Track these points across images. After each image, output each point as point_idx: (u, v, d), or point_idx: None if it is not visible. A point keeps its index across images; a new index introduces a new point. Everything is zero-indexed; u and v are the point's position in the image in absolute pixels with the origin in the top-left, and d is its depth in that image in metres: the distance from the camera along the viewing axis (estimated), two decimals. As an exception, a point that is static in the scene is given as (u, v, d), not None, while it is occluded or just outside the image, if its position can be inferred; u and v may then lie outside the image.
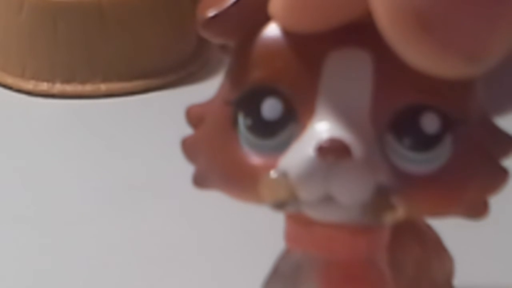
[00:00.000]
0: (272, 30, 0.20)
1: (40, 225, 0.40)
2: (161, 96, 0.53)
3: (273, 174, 0.19)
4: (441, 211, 0.20)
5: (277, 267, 0.23)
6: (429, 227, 0.26)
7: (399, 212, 0.19)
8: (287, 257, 0.22)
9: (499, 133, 0.20)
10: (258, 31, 0.20)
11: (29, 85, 0.54)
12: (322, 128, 0.19)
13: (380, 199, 0.19)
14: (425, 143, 0.19)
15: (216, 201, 0.40)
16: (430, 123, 0.19)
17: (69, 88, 0.53)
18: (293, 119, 0.19)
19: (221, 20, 0.20)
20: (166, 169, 0.45)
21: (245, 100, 0.20)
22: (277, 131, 0.19)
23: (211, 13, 0.20)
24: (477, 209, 0.20)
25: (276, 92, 0.19)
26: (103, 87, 0.53)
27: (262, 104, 0.20)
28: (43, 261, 0.38)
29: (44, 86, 0.54)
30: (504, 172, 0.20)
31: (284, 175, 0.19)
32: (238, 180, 0.20)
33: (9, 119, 0.51)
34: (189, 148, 0.22)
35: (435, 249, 0.26)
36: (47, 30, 0.53)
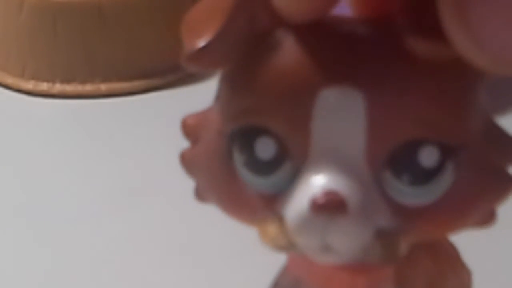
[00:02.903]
0: (260, 60, 0.18)
1: (39, 225, 0.40)
2: (161, 96, 0.53)
3: (271, 220, 0.19)
4: (448, 232, 0.20)
5: (277, 281, 0.22)
6: (444, 239, 0.24)
7: (401, 249, 0.18)
8: (287, 273, 0.22)
9: (504, 140, 0.19)
10: (246, 60, 0.19)
11: (29, 85, 0.54)
12: (316, 178, 0.18)
13: (381, 242, 0.18)
14: (424, 177, 0.18)
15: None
16: (428, 156, 0.18)
17: (69, 88, 0.53)
18: (288, 159, 0.18)
19: (208, 52, 0.18)
20: (165, 169, 0.45)
21: (237, 137, 0.19)
22: (272, 171, 0.18)
23: (197, 45, 0.18)
24: (484, 219, 0.20)
25: (268, 131, 0.18)
26: (103, 87, 0.53)
27: (255, 142, 0.18)
28: (42, 260, 0.38)
29: (44, 86, 0.54)
30: (508, 180, 0.19)
31: (281, 221, 0.18)
32: (236, 210, 0.20)
33: (9, 119, 0.51)
34: (187, 163, 0.21)
35: (451, 263, 0.24)
36: (47, 30, 0.53)
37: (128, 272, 0.37)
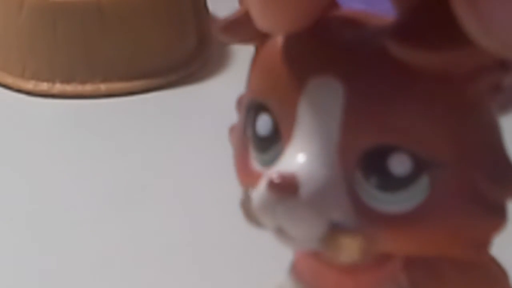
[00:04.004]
0: (274, 43, 0.20)
1: (40, 225, 0.40)
2: (161, 96, 0.53)
3: (245, 194, 0.19)
4: (424, 250, 0.19)
5: (287, 277, 0.23)
6: (490, 258, 0.22)
7: (353, 249, 0.18)
8: (292, 269, 0.22)
9: (506, 173, 0.18)
10: (267, 41, 0.20)
11: (29, 85, 0.54)
12: (283, 160, 0.18)
13: (333, 236, 0.18)
14: (394, 184, 0.18)
15: (216, 202, 0.40)
16: (399, 165, 0.18)
17: (69, 88, 0.53)
18: (279, 139, 0.19)
19: (236, 25, 0.20)
20: (166, 168, 0.45)
21: (249, 109, 0.20)
22: (267, 148, 0.19)
23: (226, 18, 0.20)
24: (473, 249, 0.19)
25: (268, 109, 0.19)
26: (103, 87, 0.53)
27: (258, 118, 0.20)
28: (43, 260, 0.38)
29: (44, 86, 0.54)
30: (499, 215, 0.18)
31: (249, 198, 0.19)
32: (243, 180, 0.21)
33: (9, 119, 0.51)
34: (230, 135, 0.22)
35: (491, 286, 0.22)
36: (47, 30, 0.53)
37: (128, 272, 0.37)
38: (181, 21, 0.56)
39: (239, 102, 0.21)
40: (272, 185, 0.18)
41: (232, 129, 0.22)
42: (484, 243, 0.19)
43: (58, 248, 0.39)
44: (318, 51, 0.19)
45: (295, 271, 0.22)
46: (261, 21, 0.18)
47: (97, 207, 0.42)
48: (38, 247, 0.39)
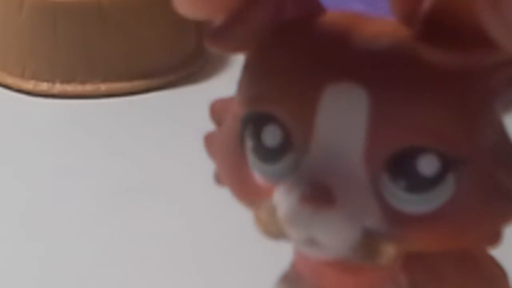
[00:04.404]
0: (276, 50, 0.19)
1: (39, 225, 0.40)
2: (161, 96, 0.53)
3: (265, 207, 0.19)
4: (447, 246, 0.19)
5: (285, 274, 0.23)
6: (491, 259, 0.22)
7: (389, 253, 0.18)
8: (292, 267, 0.22)
9: None
10: (264, 48, 0.19)
11: (29, 85, 0.54)
12: (311, 172, 0.18)
13: (368, 243, 0.18)
14: (422, 185, 0.18)
15: (216, 201, 0.40)
16: (428, 165, 0.18)
17: (69, 88, 0.53)
18: (291, 150, 0.19)
19: (227, 33, 0.19)
20: (165, 168, 0.45)
21: (249, 122, 0.19)
22: (276, 160, 0.19)
23: (217, 25, 0.19)
24: (488, 239, 0.19)
25: (276, 120, 0.19)
26: (103, 87, 0.53)
27: (263, 129, 0.19)
28: (42, 260, 0.38)
29: (44, 86, 0.54)
30: None
31: (274, 209, 0.19)
32: (242, 194, 0.20)
33: (9, 119, 0.51)
34: (209, 145, 0.21)
35: (488, 283, 0.22)
36: (47, 30, 0.53)
37: (128, 272, 0.37)
38: (181, 21, 0.56)
39: (218, 111, 0.21)
40: (306, 198, 0.18)
41: (210, 140, 0.21)
42: (498, 234, 0.19)
43: (58, 247, 0.39)
44: (331, 56, 0.18)
45: (295, 270, 0.22)
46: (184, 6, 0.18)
47: (97, 206, 0.42)
48: (37, 246, 0.39)
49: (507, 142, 0.19)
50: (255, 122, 0.19)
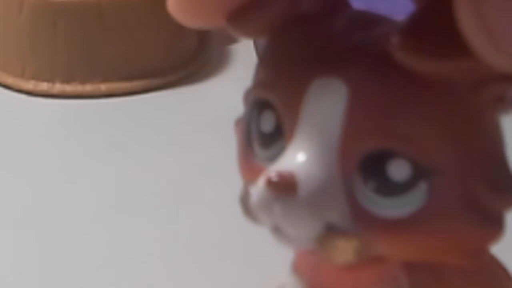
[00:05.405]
0: (280, 40, 0.20)
1: (40, 225, 0.40)
2: (161, 96, 0.53)
3: (242, 190, 0.19)
4: (419, 257, 0.19)
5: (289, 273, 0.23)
6: (494, 262, 0.22)
7: (348, 251, 0.18)
8: (293, 266, 0.22)
9: (506, 184, 0.18)
10: (274, 36, 0.20)
11: (29, 85, 0.54)
12: (283, 158, 0.18)
13: (328, 237, 0.18)
14: (392, 189, 0.18)
15: (216, 201, 0.40)
16: (398, 170, 0.18)
17: (69, 88, 0.53)
18: (281, 136, 0.19)
19: (246, 18, 0.20)
20: (165, 168, 0.45)
21: (253, 106, 0.20)
22: (269, 144, 0.19)
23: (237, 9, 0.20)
24: (471, 260, 0.19)
25: (271, 106, 0.19)
26: (103, 87, 0.53)
27: (261, 114, 0.20)
28: (43, 260, 0.38)
29: (44, 86, 0.54)
30: (496, 225, 0.18)
31: (248, 194, 0.19)
32: (244, 174, 0.21)
33: (9, 119, 0.51)
34: (236, 128, 0.22)
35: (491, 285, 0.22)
36: (47, 30, 0.53)
37: (128, 272, 0.37)
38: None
39: (246, 96, 0.21)
40: (270, 183, 0.18)
41: (238, 122, 0.22)
42: (480, 252, 0.19)
43: (58, 247, 0.39)
44: (324, 50, 0.19)
45: (295, 267, 0.22)
46: (180, 15, 0.19)
47: (97, 207, 0.42)
48: (38, 246, 0.39)
49: (491, 159, 0.18)
50: (258, 106, 0.20)
